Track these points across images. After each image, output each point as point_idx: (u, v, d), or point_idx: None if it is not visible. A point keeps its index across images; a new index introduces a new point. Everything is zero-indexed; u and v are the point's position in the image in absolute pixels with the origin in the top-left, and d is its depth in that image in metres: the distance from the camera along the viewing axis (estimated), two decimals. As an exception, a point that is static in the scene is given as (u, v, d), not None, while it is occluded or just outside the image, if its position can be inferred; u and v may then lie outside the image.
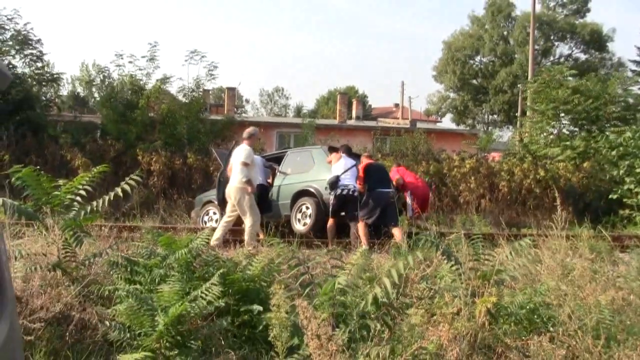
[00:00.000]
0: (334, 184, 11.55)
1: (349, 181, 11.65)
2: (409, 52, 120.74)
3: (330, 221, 11.61)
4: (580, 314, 4.95)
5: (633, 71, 41.83)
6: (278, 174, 13.62)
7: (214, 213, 14.05)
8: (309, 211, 12.26)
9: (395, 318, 4.72)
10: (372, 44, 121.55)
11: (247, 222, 10.43)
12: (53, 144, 19.90)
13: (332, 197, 11.56)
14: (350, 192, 11.56)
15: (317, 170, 12.74)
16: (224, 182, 12.62)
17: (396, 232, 11.11)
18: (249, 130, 11.08)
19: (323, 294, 4.69)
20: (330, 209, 11.58)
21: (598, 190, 19.43)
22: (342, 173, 11.64)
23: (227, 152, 14.05)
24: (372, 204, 11.48)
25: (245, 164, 10.40)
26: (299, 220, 12.57)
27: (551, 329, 4.99)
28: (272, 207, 13.14)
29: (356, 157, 13.04)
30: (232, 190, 10.47)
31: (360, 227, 11.21)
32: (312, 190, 12.28)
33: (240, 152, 10.57)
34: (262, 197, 12.87)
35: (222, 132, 22.43)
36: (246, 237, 10.19)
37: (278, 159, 14.30)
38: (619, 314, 5.21)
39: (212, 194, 14.02)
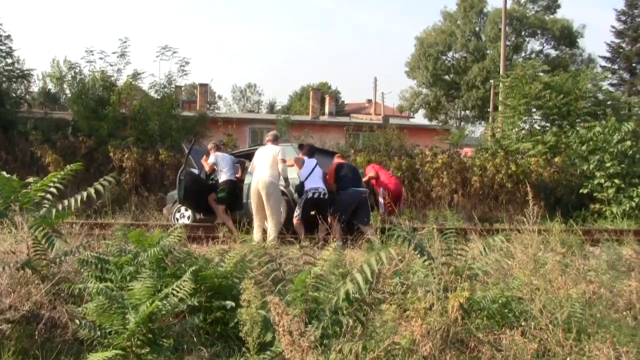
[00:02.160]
0: (301, 189, 11.43)
1: (318, 184, 11.42)
2: (382, 48, 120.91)
3: (300, 228, 11.23)
4: (552, 307, 4.98)
5: (603, 67, 42.36)
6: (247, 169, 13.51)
7: (186, 209, 13.96)
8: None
9: (367, 314, 4.71)
10: (345, 40, 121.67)
11: (274, 218, 10.73)
12: (23, 140, 19.67)
13: (300, 201, 11.32)
14: (321, 195, 11.34)
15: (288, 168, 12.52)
16: (184, 181, 12.81)
17: (367, 230, 11.11)
18: (274, 133, 11.73)
19: (295, 290, 4.67)
20: (300, 212, 11.25)
21: (569, 184, 19.59)
22: (306, 178, 11.41)
23: (191, 147, 14.05)
24: (344, 203, 11.46)
25: (284, 161, 11.01)
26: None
27: (523, 323, 5.01)
28: (243, 206, 13.08)
29: (331, 154, 13.01)
30: (265, 184, 10.76)
31: (334, 226, 11.11)
32: (282, 189, 12.12)
33: (275, 151, 11.07)
34: (232, 194, 13.02)
35: (195, 128, 22.27)
36: (271, 232, 10.55)
37: (248, 156, 14.07)
38: (589, 307, 5.26)
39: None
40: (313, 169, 11.55)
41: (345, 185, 11.63)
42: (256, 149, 14.02)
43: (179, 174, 12.95)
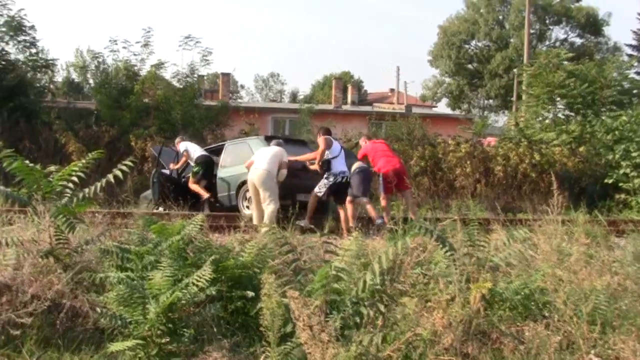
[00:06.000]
0: (328, 167, 11.44)
1: (344, 167, 11.51)
2: (405, 37, 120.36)
3: (314, 201, 11.46)
4: (576, 299, 4.91)
5: (629, 55, 41.83)
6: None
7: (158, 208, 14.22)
8: None
9: (388, 305, 4.67)
10: (368, 29, 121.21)
11: (269, 208, 10.98)
12: (47, 130, 19.76)
13: (325, 183, 11.31)
14: (345, 180, 11.45)
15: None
16: (157, 182, 13.84)
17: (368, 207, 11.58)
18: (280, 141, 12.28)
19: (317, 281, 4.64)
20: (323, 191, 11.32)
21: (594, 174, 19.36)
22: (335, 157, 11.46)
23: (160, 149, 15.38)
24: (364, 180, 11.71)
25: (285, 166, 11.52)
26: (247, 206, 12.82)
27: (546, 314, 4.95)
28: (219, 198, 13.80)
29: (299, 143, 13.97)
30: (261, 177, 11.15)
31: (349, 209, 11.30)
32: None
33: (282, 151, 11.64)
34: (209, 170, 14.03)
35: (217, 117, 22.34)
36: (267, 219, 10.71)
37: (218, 152, 14.75)
38: (614, 299, 5.18)
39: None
40: (340, 151, 11.66)
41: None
42: (224, 144, 14.86)
43: (152, 176, 13.84)
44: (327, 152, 11.42)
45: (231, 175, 13.49)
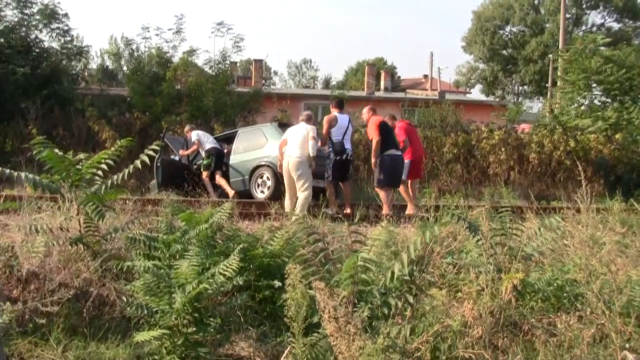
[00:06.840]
0: (340, 149, 11.49)
1: (348, 145, 11.62)
2: (438, 23, 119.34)
3: (330, 187, 11.61)
4: (609, 291, 4.79)
5: (668, 40, 41.06)
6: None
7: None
8: (268, 180, 13.19)
9: (417, 296, 4.59)
10: (402, 15, 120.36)
11: (303, 194, 10.94)
12: (80, 117, 19.83)
13: (329, 162, 11.50)
14: (349, 157, 11.68)
15: (271, 146, 13.28)
16: (161, 167, 14.10)
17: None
18: (309, 113, 11.82)
19: (345, 271, 4.58)
20: (330, 177, 11.54)
21: (630, 162, 19.01)
22: (343, 137, 11.52)
23: (176, 138, 15.98)
24: (390, 168, 11.43)
25: (314, 139, 11.09)
26: (260, 189, 13.45)
27: (579, 306, 4.84)
28: (232, 184, 14.07)
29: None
30: (295, 165, 11.01)
31: (382, 195, 11.31)
32: (269, 164, 13.19)
33: (308, 129, 11.17)
34: (219, 160, 14.37)
35: (249, 104, 22.35)
36: (298, 208, 10.67)
37: (228, 140, 15.23)
38: (650, 290, 5.04)
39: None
40: (347, 128, 11.63)
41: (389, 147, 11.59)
42: (236, 131, 15.16)
43: (155, 161, 13.80)
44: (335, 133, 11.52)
45: (244, 161, 13.93)
